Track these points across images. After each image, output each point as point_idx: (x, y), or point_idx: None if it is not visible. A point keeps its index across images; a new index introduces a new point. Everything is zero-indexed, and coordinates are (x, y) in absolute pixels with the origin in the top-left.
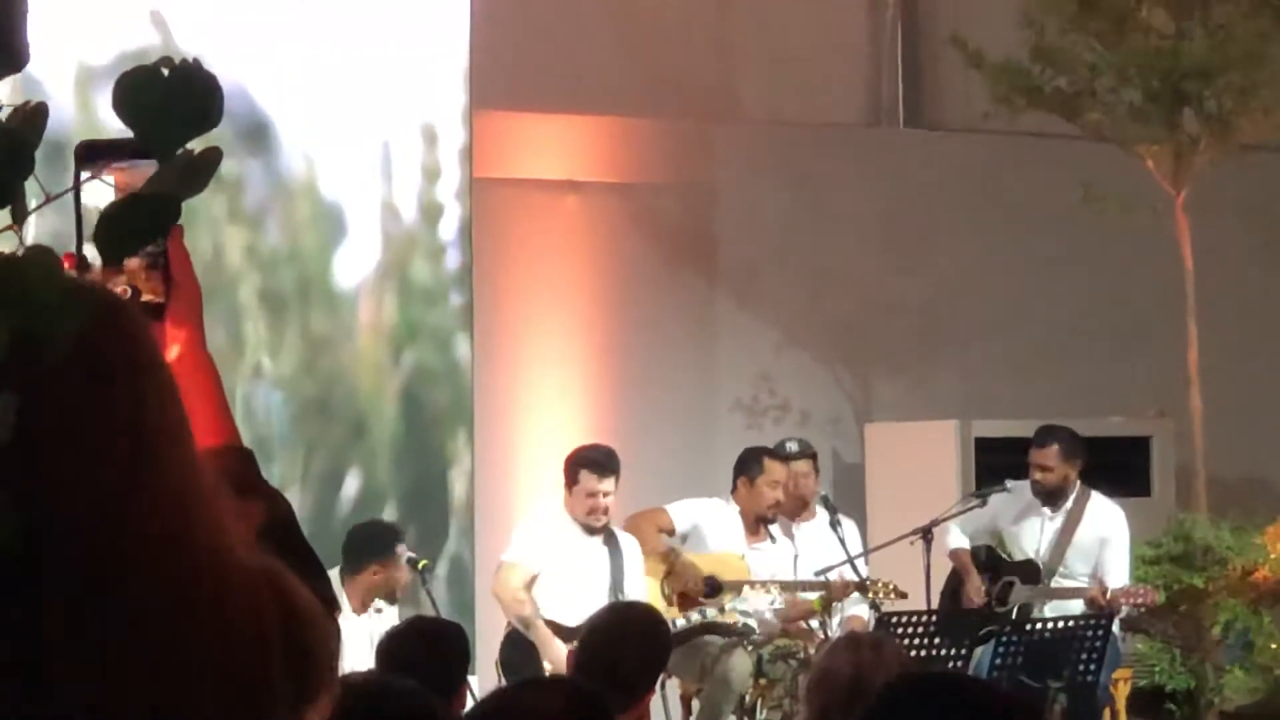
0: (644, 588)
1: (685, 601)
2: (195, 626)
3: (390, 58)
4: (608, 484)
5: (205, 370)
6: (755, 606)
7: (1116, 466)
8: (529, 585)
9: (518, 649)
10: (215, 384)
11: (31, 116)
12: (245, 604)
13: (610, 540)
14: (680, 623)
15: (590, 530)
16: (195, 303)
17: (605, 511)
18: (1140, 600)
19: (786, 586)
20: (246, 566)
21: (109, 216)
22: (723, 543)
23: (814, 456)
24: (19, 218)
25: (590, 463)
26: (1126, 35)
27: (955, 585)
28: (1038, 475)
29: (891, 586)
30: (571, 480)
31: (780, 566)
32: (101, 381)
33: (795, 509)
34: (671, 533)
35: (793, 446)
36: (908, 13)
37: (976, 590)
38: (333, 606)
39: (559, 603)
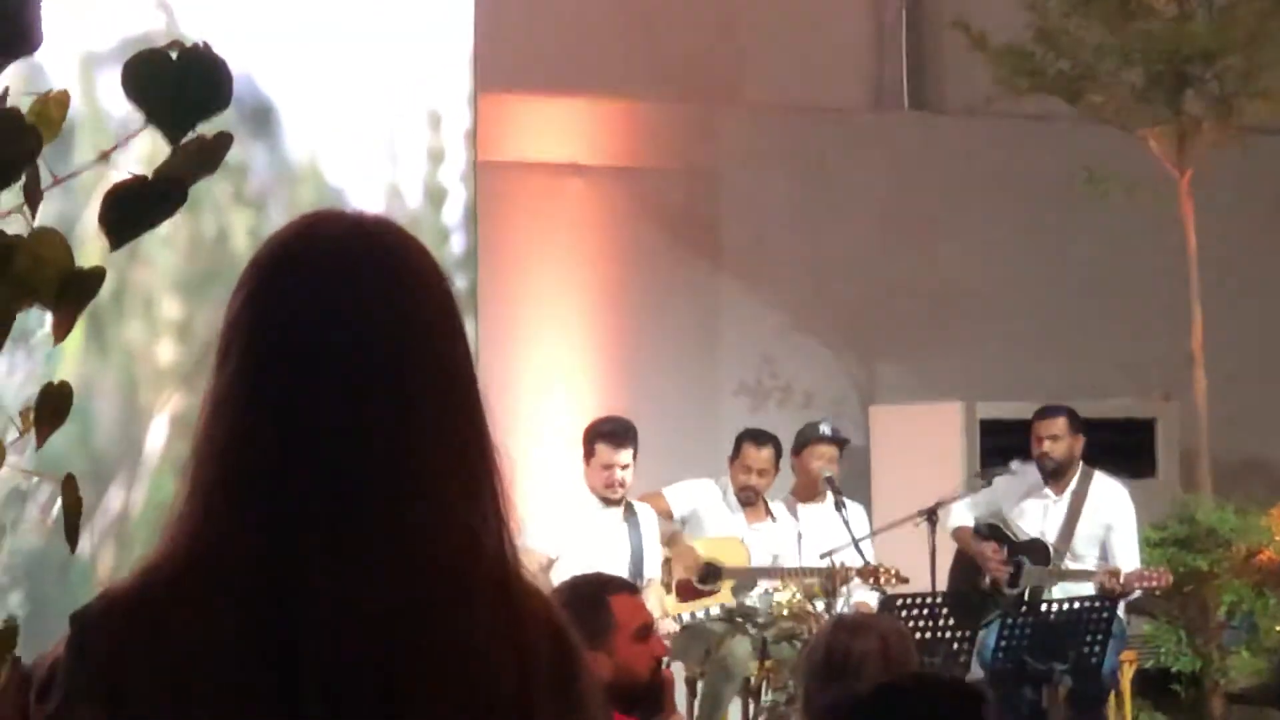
0: (659, 565)
1: (685, 590)
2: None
3: (394, 41)
4: (624, 455)
5: None
6: (765, 595)
7: (1121, 448)
8: (546, 570)
9: None
10: None
11: (54, 103)
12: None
13: (629, 513)
14: (685, 617)
15: (608, 502)
16: None
17: (623, 484)
18: (1153, 582)
19: (788, 573)
20: (531, 586)
21: (115, 198)
22: (720, 524)
23: (844, 444)
24: (32, 200)
25: (606, 434)
26: (1129, 18)
27: (966, 563)
28: (1045, 446)
29: (893, 572)
30: (589, 453)
31: (782, 546)
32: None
33: (810, 491)
34: (670, 517)
35: (825, 429)
36: None
37: (996, 566)
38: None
39: None
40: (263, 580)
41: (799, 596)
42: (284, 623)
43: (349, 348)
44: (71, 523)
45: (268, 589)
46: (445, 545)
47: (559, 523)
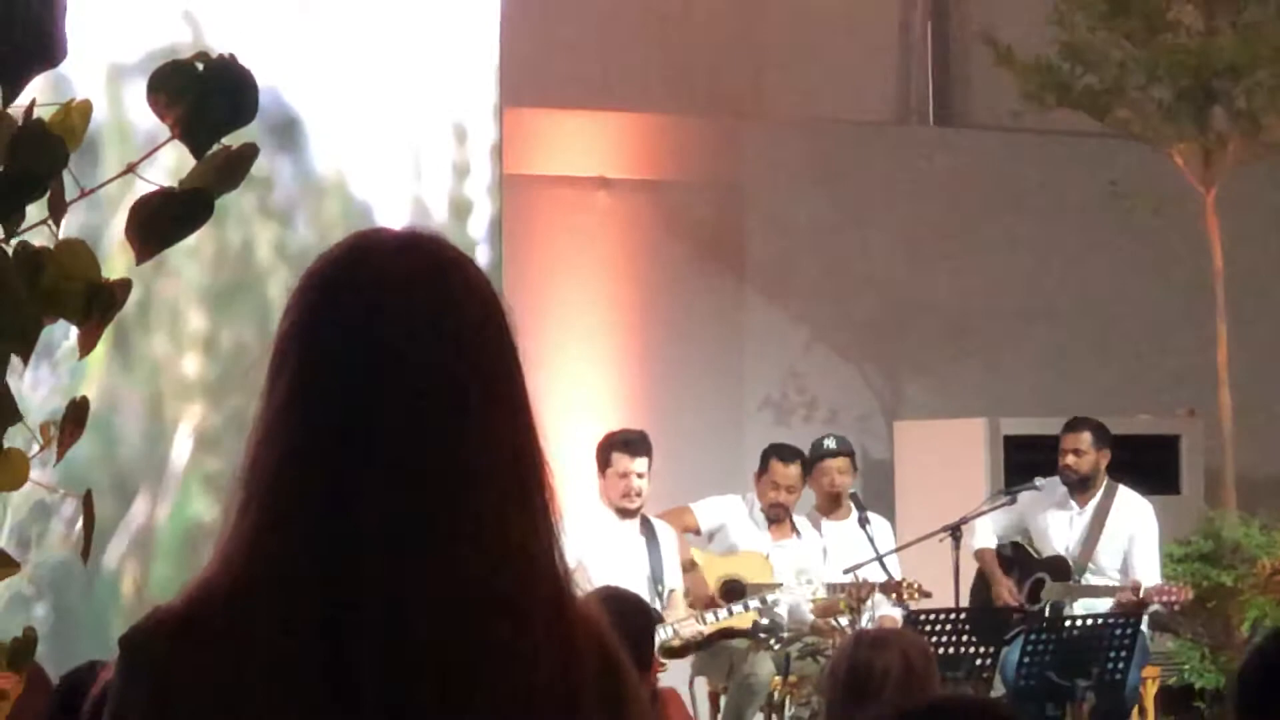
0: (680, 576)
1: (708, 607)
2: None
3: (420, 54)
4: (640, 464)
5: None
6: (793, 599)
7: (1145, 465)
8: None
9: None
10: None
11: (77, 112)
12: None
13: (646, 528)
14: (711, 617)
15: (624, 514)
16: None
17: (639, 494)
18: (1172, 598)
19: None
20: (583, 609)
21: (141, 211)
22: (747, 540)
23: (851, 454)
24: (58, 213)
25: (621, 443)
26: (1156, 33)
27: (983, 585)
28: (1070, 459)
29: (916, 586)
30: (604, 464)
31: (807, 561)
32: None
33: (829, 506)
34: (697, 532)
35: (830, 443)
36: (938, 10)
37: (1010, 591)
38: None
39: None
40: (316, 601)
41: (821, 589)
42: (338, 644)
43: (400, 366)
44: (88, 538)
45: (321, 610)
46: (500, 565)
47: (579, 535)
